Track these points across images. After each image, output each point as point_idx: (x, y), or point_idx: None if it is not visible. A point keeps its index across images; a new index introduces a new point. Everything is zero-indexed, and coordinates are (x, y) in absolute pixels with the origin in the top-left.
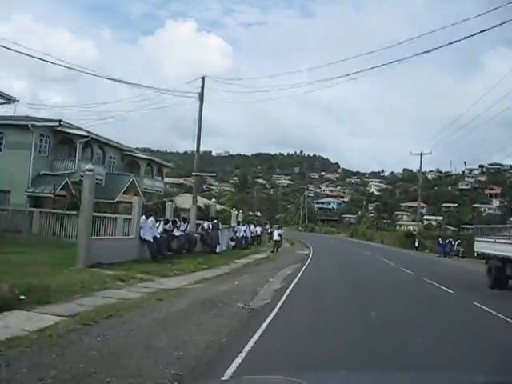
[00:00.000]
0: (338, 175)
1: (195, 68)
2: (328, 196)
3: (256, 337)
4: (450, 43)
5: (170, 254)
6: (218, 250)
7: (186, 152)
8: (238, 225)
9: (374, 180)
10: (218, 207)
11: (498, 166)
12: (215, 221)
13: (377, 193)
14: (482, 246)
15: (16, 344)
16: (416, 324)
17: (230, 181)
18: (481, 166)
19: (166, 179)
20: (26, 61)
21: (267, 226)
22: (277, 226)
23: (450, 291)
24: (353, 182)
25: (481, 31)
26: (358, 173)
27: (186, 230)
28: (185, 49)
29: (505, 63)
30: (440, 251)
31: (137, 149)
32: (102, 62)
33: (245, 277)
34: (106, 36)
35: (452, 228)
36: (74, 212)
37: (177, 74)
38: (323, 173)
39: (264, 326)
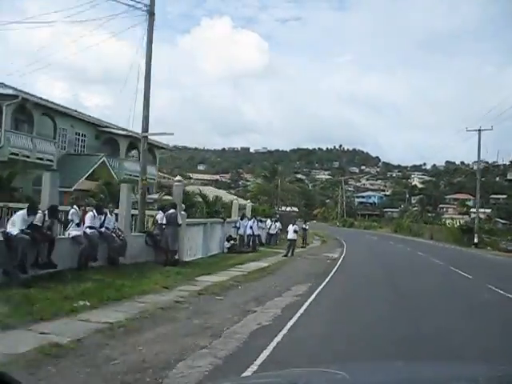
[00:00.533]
0: (378, 169)
1: (232, 64)
2: (368, 190)
3: None
4: None
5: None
6: (185, 258)
7: (223, 149)
8: (242, 219)
9: (416, 173)
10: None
11: None
12: (172, 210)
13: (420, 185)
14: None
15: None
16: None
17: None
18: None
19: (200, 175)
20: None
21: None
22: (300, 219)
23: None
24: (394, 175)
25: None
26: (398, 166)
27: (103, 225)
28: (221, 46)
29: None
30: None
31: (174, 146)
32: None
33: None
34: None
35: (502, 221)
36: None
37: (214, 72)
38: (363, 167)
39: None
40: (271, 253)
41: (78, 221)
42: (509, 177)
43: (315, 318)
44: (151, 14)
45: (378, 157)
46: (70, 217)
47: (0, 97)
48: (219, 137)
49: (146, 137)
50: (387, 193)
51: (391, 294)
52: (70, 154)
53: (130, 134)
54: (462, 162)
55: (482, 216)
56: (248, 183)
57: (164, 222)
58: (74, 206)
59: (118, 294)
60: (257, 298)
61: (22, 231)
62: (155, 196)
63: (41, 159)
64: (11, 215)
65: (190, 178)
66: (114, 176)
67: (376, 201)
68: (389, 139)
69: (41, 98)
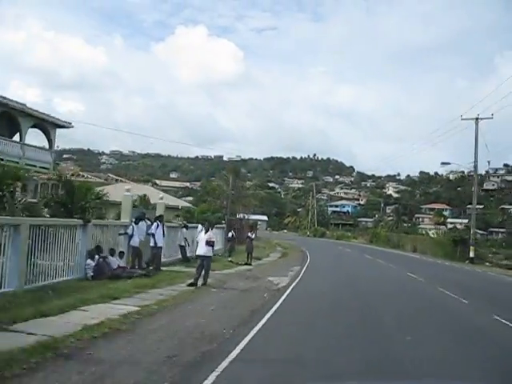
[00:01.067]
0: (352, 179)
1: (207, 73)
2: (342, 199)
3: None
4: None
5: None
6: None
7: (197, 157)
8: (137, 222)
9: (391, 183)
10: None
11: None
12: None
13: (395, 195)
14: None
15: None
16: None
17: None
18: (506, 166)
19: (171, 183)
20: None
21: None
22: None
23: None
24: (368, 185)
25: None
26: (373, 176)
27: None
28: (197, 55)
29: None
30: None
31: (146, 154)
32: (114, 69)
33: None
34: (118, 43)
35: (480, 232)
36: None
37: (189, 80)
38: (337, 176)
39: None
40: (179, 277)
41: None
42: (485, 186)
43: None
44: None
45: (352, 166)
46: None
47: None
48: (193, 145)
49: None
50: (361, 202)
51: None
52: None
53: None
54: (436, 173)
55: (459, 226)
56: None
57: None
58: None
59: None
60: None
61: None
62: None
63: None
64: None
65: (156, 184)
66: None
67: (350, 210)
68: (363, 149)
69: None
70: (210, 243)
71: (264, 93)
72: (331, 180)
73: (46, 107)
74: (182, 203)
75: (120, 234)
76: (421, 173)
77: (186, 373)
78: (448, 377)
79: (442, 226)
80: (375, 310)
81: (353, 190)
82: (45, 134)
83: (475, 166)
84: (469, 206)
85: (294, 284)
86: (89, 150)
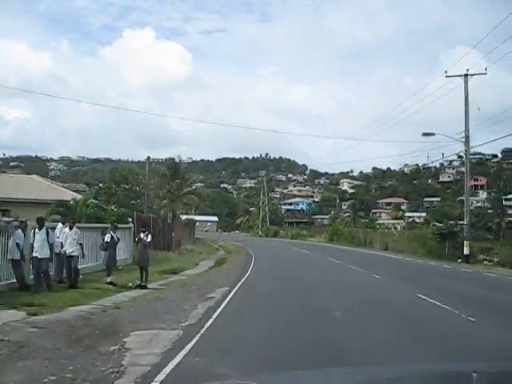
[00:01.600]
0: (305, 177)
1: (156, 75)
2: (296, 196)
3: None
4: None
5: None
6: None
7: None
8: None
9: (345, 179)
10: None
11: (479, 156)
12: None
13: (350, 190)
14: None
15: None
16: None
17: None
18: (460, 157)
19: None
20: None
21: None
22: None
23: None
24: (322, 182)
25: None
26: (326, 174)
27: None
28: (145, 58)
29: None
30: None
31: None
32: (62, 74)
33: None
34: (65, 48)
35: (440, 225)
36: None
37: (138, 83)
38: (290, 175)
39: None
40: None
41: None
42: (441, 179)
43: None
44: None
45: (304, 164)
46: None
47: None
48: (144, 148)
49: None
50: (316, 199)
51: None
52: None
53: None
54: (389, 168)
55: (418, 220)
56: None
57: None
58: None
59: None
60: None
61: None
62: None
63: None
64: None
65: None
66: None
67: (304, 207)
68: (315, 147)
69: None
70: None
71: (215, 94)
72: (284, 179)
73: None
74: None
75: None
76: (374, 169)
77: None
78: None
79: (400, 221)
80: None
81: (307, 188)
82: None
83: (466, 137)
84: (426, 199)
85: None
86: (36, 156)
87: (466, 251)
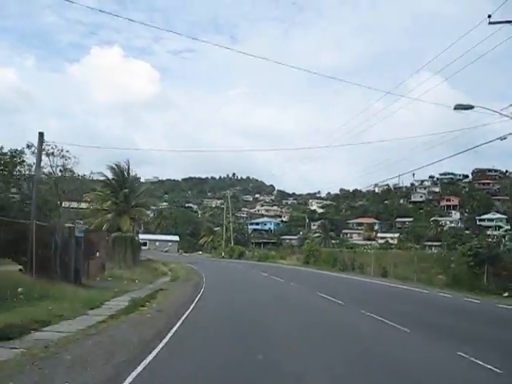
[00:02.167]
0: (273, 197)
1: (123, 94)
2: (264, 216)
3: None
4: None
5: None
6: None
7: (113, 178)
8: None
9: (314, 200)
10: None
11: (450, 176)
12: None
13: (320, 210)
14: None
15: None
16: None
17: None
18: (431, 177)
19: None
20: None
21: None
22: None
23: None
24: (289, 203)
25: None
26: (294, 194)
27: None
28: (113, 76)
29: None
30: None
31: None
32: (27, 91)
33: None
34: (31, 64)
35: (414, 246)
36: None
37: (105, 102)
38: (258, 195)
39: None
40: None
41: None
42: (413, 199)
43: None
44: None
45: (272, 185)
46: None
47: None
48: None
49: None
50: (284, 219)
51: None
52: None
53: None
54: (356, 189)
55: (390, 241)
56: None
57: None
58: None
59: None
60: None
61: None
62: None
63: None
64: None
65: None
66: None
67: (272, 228)
68: (283, 168)
69: None
70: None
71: (182, 114)
72: (251, 199)
73: None
74: None
75: None
76: (341, 190)
77: None
78: None
79: (372, 242)
80: None
81: (274, 207)
82: None
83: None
84: (398, 220)
85: None
86: None
87: None
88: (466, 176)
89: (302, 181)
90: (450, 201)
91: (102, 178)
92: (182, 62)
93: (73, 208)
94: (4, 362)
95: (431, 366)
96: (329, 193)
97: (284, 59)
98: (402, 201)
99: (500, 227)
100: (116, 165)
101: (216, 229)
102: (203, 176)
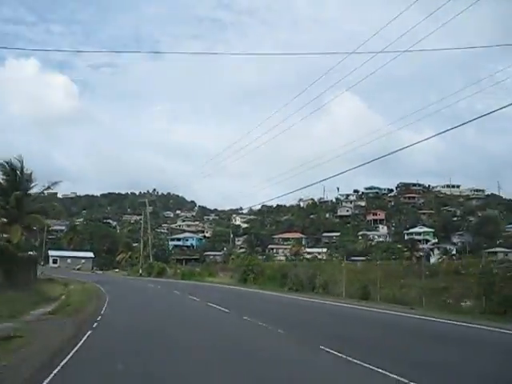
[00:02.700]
0: (194, 213)
1: (41, 110)
2: (185, 231)
3: None
4: None
5: None
6: None
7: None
8: None
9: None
10: None
11: (375, 190)
12: None
13: (244, 225)
14: None
15: None
16: None
17: None
18: (356, 191)
19: None
20: None
21: None
22: None
23: None
24: (211, 219)
25: None
26: (215, 210)
27: None
28: (30, 90)
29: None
30: None
31: None
32: None
33: None
34: None
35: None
36: None
37: (21, 117)
38: (178, 211)
39: None
40: None
41: None
42: (339, 213)
43: None
44: None
45: (193, 201)
46: None
47: None
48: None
49: None
50: (207, 234)
51: None
52: None
53: None
54: (278, 205)
55: (319, 256)
56: None
57: None
58: None
59: None
60: None
61: None
62: None
63: None
64: None
65: None
66: None
67: (195, 243)
68: (204, 185)
69: None
70: None
71: (102, 130)
72: (172, 215)
73: None
74: None
75: None
76: (263, 206)
77: None
78: None
79: (301, 257)
80: None
81: (196, 222)
82: None
83: None
84: (325, 234)
85: None
86: None
87: None
88: (391, 190)
89: (222, 197)
90: (376, 215)
91: None
92: (102, 76)
93: None
94: None
95: None
96: (251, 209)
97: (207, 76)
98: (328, 215)
99: (427, 241)
100: (6, 162)
101: (135, 245)
102: (123, 192)
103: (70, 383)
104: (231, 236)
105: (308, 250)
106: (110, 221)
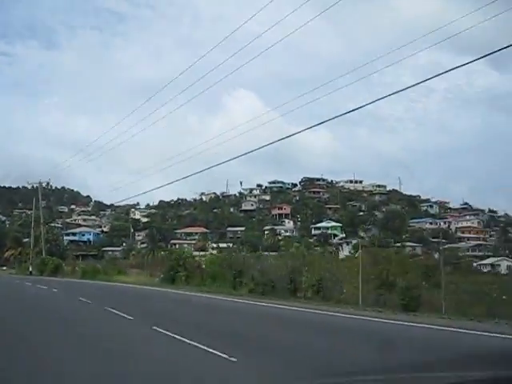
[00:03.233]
0: (90, 208)
1: None
2: (81, 226)
3: None
4: None
5: None
6: None
7: None
8: None
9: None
10: None
11: (279, 185)
12: None
13: (144, 219)
14: None
15: None
16: None
17: None
18: (259, 185)
19: None
20: None
21: None
22: None
23: None
24: (107, 214)
25: None
26: (112, 205)
27: None
28: None
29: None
30: None
31: None
32: None
33: None
34: None
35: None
36: None
37: None
38: (73, 206)
39: None
40: None
41: None
42: (244, 207)
43: None
44: None
45: (89, 196)
46: None
47: None
48: None
49: None
50: (105, 229)
51: None
52: None
53: None
54: (179, 198)
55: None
56: None
57: None
58: None
59: None
60: None
61: None
62: None
63: None
64: None
65: None
66: None
67: (92, 238)
68: (100, 180)
69: None
70: None
71: None
72: (66, 210)
73: None
74: None
75: None
76: (160, 201)
77: None
78: None
79: (205, 252)
80: None
81: (93, 217)
82: None
83: None
84: (229, 229)
85: None
86: None
87: None
88: (295, 185)
89: (119, 192)
90: (281, 209)
91: None
92: None
93: None
94: None
95: None
96: (148, 204)
97: (103, 69)
98: (232, 209)
99: (335, 235)
100: None
101: (25, 240)
102: (14, 186)
103: None
104: (131, 231)
105: (214, 245)
106: (1, 216)
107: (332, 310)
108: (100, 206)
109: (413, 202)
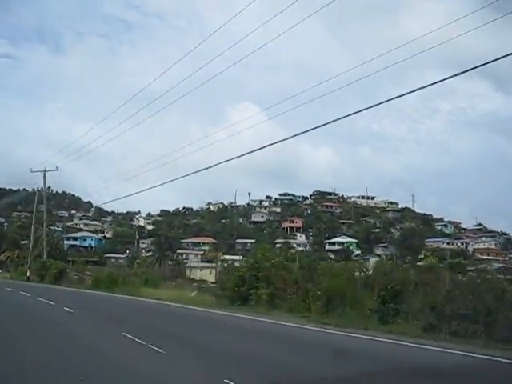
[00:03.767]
0: (90, 214)
1: None
2: (83, 230)
3: None
4: None
5: None
6: None
7: None
8: None
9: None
10: None
11: (290, 197)
12: None
13: (149, 226)
14: None
15: None
16: None
17: None
18: (269, 197)
19: None
20: None
21: None
22: None
23: None
24: (108, 220)
25: None
26: (112, 213)
27: None
28: None
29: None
30: None
31: None
32: None
33: None
34: None
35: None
36: None
37: None
38: (74, 211)
39: None
40: None
41: None
42: (253, 219)
43: None
44: None
45: (90, 202)
46: None
47: None
48: None
49: None
50: (108, 235)
51: None
52: None
53: None
54: (185, 207)
55: (237, 264)
56: None
57: None
58: None
59: None
60: None
61: None
62: None
63: None
64: None
65: None
66: None
67: (93, 244)
68: (102, 186)
69: None
70: None
71: None
72: (67, 215)
73: None
74: None
75: None
76: (162, 211)
77: None
78: None
79: (212, 264)
80: None
81: (95, 222)
82: None
83: None
84: (238, 240)
85: None
86: None
87: None
88: (306, 198)
89: (121, 200)
90: (293, 222)
91: None
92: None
93: None
94: None
95: None
96: (149, 213)
97: (108, 76)
98: (241, 220)
99: (352, 252)
100: None
101: (24, 242)
102: (14, 188)
103: None
104: (136, 237)
105: (226, 256)
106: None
107: None
108: (101, 213)
109: (427, 221)
